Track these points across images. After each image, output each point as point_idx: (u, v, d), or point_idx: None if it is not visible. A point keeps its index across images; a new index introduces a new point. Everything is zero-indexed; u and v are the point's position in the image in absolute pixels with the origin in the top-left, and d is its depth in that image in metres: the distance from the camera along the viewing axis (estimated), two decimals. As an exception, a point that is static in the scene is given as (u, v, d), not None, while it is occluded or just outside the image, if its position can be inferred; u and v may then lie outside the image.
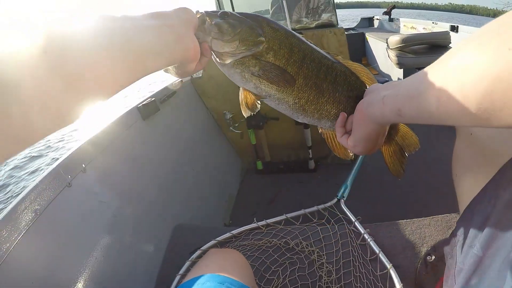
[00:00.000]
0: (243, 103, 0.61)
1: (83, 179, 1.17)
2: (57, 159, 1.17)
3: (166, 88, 1.93)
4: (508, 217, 0.47)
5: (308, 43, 0.61)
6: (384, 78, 3.85)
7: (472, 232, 0.56)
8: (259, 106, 0.62)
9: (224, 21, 0.54)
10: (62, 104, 0.31)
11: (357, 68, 0.66)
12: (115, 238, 1.20)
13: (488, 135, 0.58)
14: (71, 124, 0.34)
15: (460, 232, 0.63)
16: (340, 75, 0.63)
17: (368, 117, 0.55)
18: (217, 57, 0.56)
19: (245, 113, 0.62)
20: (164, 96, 1.83)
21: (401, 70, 3.44)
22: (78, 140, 1.30)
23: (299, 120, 0.67)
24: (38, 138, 0.31)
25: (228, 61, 0.56)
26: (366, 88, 0.65)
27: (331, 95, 0.62)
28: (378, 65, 4.39)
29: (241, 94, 0.61)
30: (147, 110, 1.64)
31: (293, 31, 0.61)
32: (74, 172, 1.14)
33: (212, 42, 0.54)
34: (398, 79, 3.61)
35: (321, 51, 0.63)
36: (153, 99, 1.70)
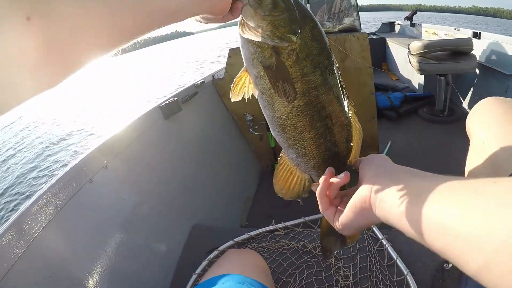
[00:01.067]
0: (235, 82, 0.55)
1: (104, 175, 1.20)
2: (80, 155, 1.20)
3: (188, 88, 1.96)
4: None
5: (337, 77, 0.55)
6: (404, 84, 3.81)
7: None
8: (246, 96, 0.55)
9: None
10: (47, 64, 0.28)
11: (356, 131, 0.60)
12: (132, 235, 1.22)
13: (499, 144, 0.58)
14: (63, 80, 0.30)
15: None
16: (338, 126, 0.57)
17: (374, 212, 0.47)
18: (240, 23, 0.50)
19: (232, 96, 0.55)
20: (186, 96, 1.86)
21: (422, 76, 3.39)
22: (101, 137, 1.34)
23: (272, 134, 0.61)
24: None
25: (246, 35, 0.50)
26: (350, 155, 0.61)
27: (316, 137, 0.57)
28: (398, 71, 4.34)
29: (240, 73, 0.55)
30: (169, 110, 1.67)
31: (332, 56, 0.54)
32: (95, 169, 1.17)
33: (245, 7, 0.48)
34: (419, 84, 3.57)
35: (343, 92, 0.56)
36: (175, 99, 1.73)
